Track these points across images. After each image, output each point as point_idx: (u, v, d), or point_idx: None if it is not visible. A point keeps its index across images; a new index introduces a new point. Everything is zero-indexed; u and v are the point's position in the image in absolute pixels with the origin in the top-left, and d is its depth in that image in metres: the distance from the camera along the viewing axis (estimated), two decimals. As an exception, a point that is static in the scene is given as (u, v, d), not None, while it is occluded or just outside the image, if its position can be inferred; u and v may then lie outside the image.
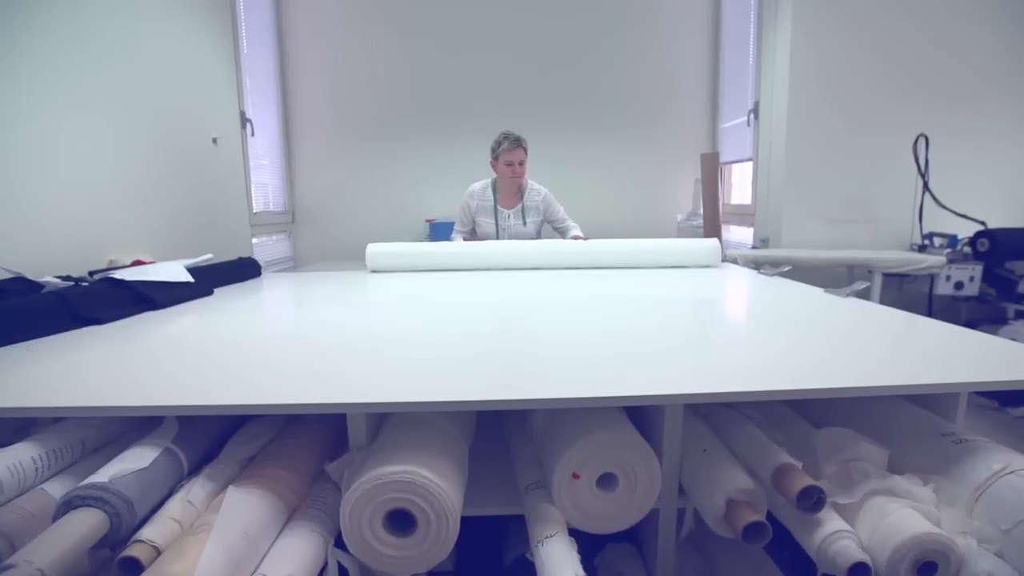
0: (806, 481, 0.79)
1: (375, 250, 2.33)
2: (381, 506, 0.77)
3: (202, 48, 2.83)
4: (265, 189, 3.68)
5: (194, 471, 0.81)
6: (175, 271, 1.63)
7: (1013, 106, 3.08)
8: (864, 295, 1.79)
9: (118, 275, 1.50)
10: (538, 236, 2.66)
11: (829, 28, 2.98)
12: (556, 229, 2.66)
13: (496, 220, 2.61)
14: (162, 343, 1.19)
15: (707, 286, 1.87)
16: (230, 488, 0.76)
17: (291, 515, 0.81)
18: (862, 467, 0.87)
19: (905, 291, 2.75)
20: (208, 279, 1.79)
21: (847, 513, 0.81)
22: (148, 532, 0.67)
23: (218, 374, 0.94)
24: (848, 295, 1.51)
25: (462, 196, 2.65)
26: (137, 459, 0.73)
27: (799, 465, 0.85)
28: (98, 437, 0.86)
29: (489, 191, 2.61)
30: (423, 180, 4.00)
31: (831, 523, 0.78)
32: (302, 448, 0.91)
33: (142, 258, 2.10)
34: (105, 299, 1.39)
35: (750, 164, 3.64)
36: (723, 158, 3.81)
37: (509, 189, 2.57)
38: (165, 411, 0.79)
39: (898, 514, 0.77)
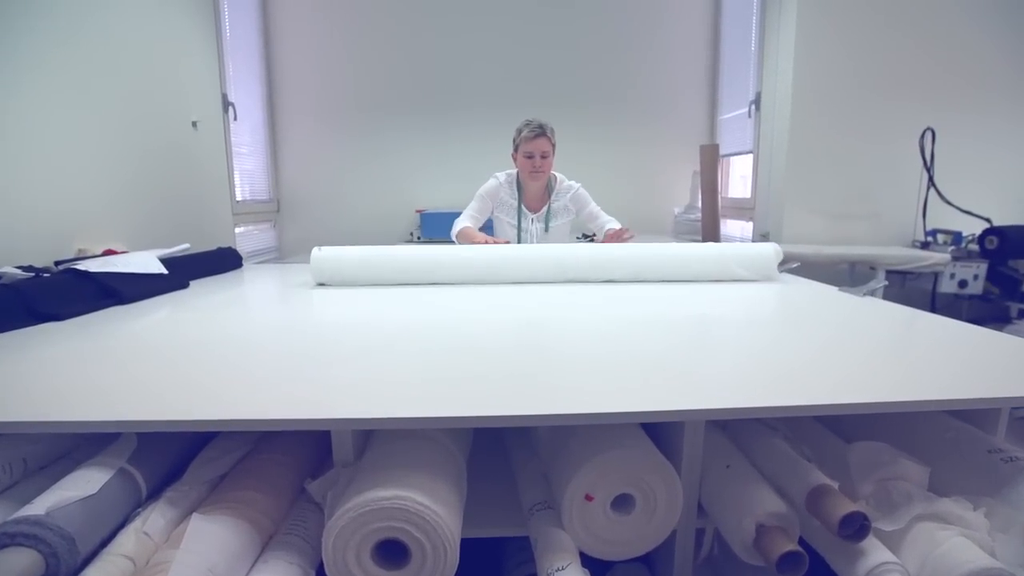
0: (848, 507, 0.71)
1: (325, 255, 1.65)
2: (370, 536, 0.68)
3: (181, 27, 2.68)
4: (250, 176, 3.54)
5: (154, 494, 0.71)
6: (146, 262, 1.51)
7: (1017, 103, 3.03)
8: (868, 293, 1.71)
9: (82, 266, 1.37)
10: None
11: (835, 19, 2.90)
12: (591, 229, 2.25)
13: (519, 222, 2.22)
14: (125, 344, 1.07)
15: (717, 287, 1.76)
16: (194, 516, 0.66)
17: (266, 544, 0.71)
18: (903, 487, 0.79)
19: (908, 288, 2.70)
20: (183, 271, 1.67)
21: (891, 541, 0.73)
22: (93, 574, 0.57)
23: (186, 382, 0.83)
24: (864, 294, 1.44)
25: (487, 181, 2.21)
26: (83, 484, 0.63)
27: (836, 486, 0.77)
28: (44, 454, 0.75)
29: (515, 186, 2.19)
30: (414, 169, 3.88)
31: (876, 554, 0.70)
32: (280, 464, 0.81)
33: (114, 247, 1.97)
34: (66, 292, 1.27)
35: (748, 157, 3.56)
36: (722, 150, 3.73)
37: (534, 188, 2.16)
38: (121, 427, 0.68)
39: (950, 544, 0.69)
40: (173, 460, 0.77)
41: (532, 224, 2.21)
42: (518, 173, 2.18)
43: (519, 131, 2.09)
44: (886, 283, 2.08)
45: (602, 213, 2.20)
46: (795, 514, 0.77)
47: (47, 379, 0.84)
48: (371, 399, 0.77)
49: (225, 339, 1.11)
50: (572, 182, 2.23)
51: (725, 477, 0.84)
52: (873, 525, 0.72)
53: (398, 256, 1.74)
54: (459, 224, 2.12)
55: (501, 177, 2.21)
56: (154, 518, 0.65)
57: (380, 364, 0.94)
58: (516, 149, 2.12)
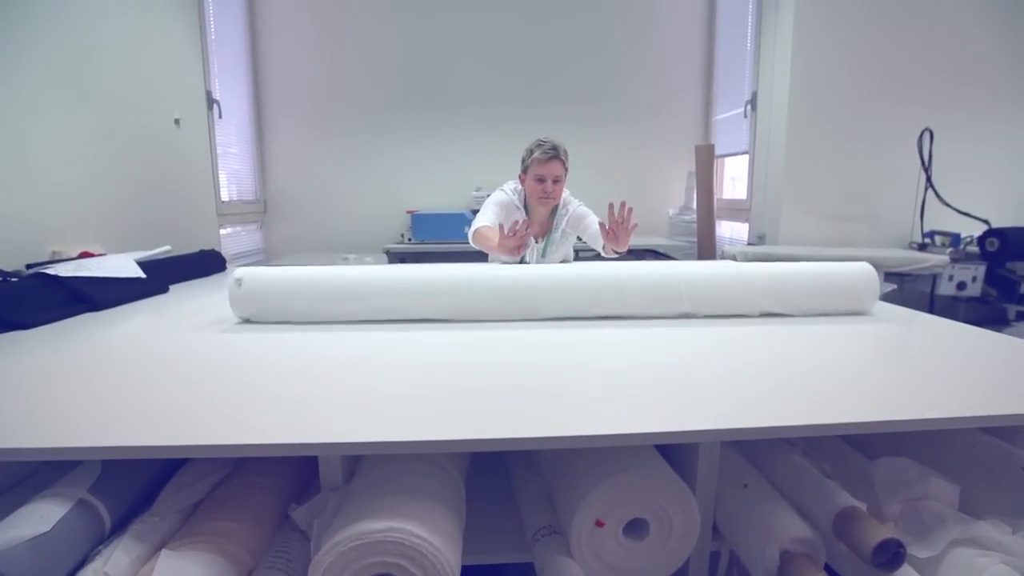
0: (882, 533, 0.65)
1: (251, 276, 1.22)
2: (361, 572, 0.62)
3: (162, 22, 2.59)
4: (236, 176, 3.44)
5: (119, 528, 0.64)
6: (122, 265, 1.43)
7: (1016, 104, 3.02)
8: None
9: (52, 270, 1.29)
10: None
11: (832, 18, 2.87)
12: (593, 247, 1.94)
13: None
14: (93, 356, 0.99)
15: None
16: (163, 553, 0.59)
17: (245, 580, 0.65)
18: (934, 508, 0.74)
19: (905, 291, 2.67)
20: (162, 274, 1.59)
21: (927, 569, 0.68)
22: (43, 625, 0.50)
23: (157, 401, 0.75)
24: (873, 298, 1.39)
25: (496, 194, 1.96)
26: (35, 521, 0.56)
27: (864, 508, 0.72)
28: (-4, 482, 0.67)
29: (524, 207, 1.94)
30: (405, 169, 3.80)
31: (912, 584, 0.65)
32: (260, 489, 0.74)
33: (91, 250, 1.88)
34: (34, 298, 1.19)
35: (739, 158, 3.53)
36: (717, 151, 3.69)
37: (541, 213, 1.93)
38: (82, 454, 0.61)
39: (993, 572, 0.64)
40: (142, 487, 0.70)
41: (534, 254, 1.98)
42: (525, 194, 1.95)
43: (530, 151, 1.87)
44: (894, 287, 2.04)
45: (595, 220, 1.90)
46: (821, 539, 0.71)
47: (3, 398, 0.77)
48: (362, 420, 0.71)
49: (203, 350, 1.03)
50: (573, 200, 1.99)
51: (743, 498, 0.79)
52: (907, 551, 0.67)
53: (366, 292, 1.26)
54: (476, 224, 1.85)
55: (513, 195, 1.96)
56: (117, 556, 0.58)
57: (370, 380, 0.87)
58: (525, 170, 1.89)
